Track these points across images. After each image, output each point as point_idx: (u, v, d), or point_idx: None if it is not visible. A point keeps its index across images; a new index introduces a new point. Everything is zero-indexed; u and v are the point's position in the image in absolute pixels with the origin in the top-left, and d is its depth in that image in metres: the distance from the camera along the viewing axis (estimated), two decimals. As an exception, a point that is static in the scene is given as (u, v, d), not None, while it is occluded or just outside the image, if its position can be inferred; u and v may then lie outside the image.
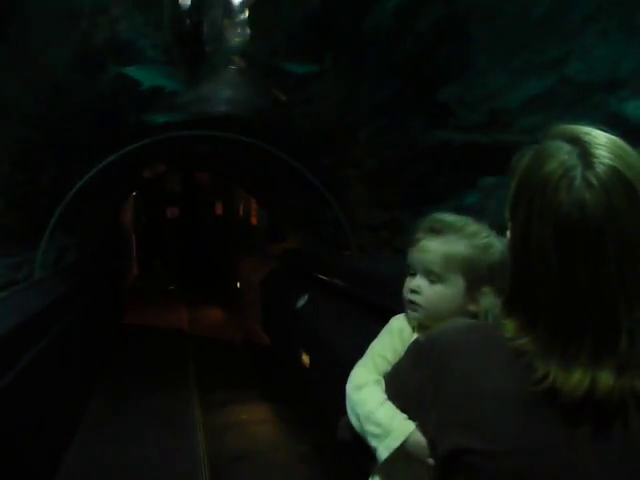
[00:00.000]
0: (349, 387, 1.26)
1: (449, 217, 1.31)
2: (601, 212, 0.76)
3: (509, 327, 0.87)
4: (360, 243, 5.64)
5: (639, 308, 0.77)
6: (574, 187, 0.78)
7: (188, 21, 4.58)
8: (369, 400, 1.19)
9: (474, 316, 1.25)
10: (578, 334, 0.79)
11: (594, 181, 0.78)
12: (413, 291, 1.29)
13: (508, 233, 0.90)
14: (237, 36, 4.77)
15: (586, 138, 0.83)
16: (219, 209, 14.81)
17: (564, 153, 0.81)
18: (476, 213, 1.43)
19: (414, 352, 1.06)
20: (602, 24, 3.03)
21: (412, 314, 1.30)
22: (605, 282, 0.77)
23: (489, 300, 1.22)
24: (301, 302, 5.86)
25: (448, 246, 1.25)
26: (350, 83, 4.22)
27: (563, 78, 3.20)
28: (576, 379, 0.78)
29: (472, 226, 1.29)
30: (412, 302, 1.29)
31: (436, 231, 1.28)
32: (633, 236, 0.77)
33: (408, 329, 1.32)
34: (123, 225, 14.73)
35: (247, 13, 4.67)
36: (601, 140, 0.82)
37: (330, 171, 5.87)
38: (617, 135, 0.88)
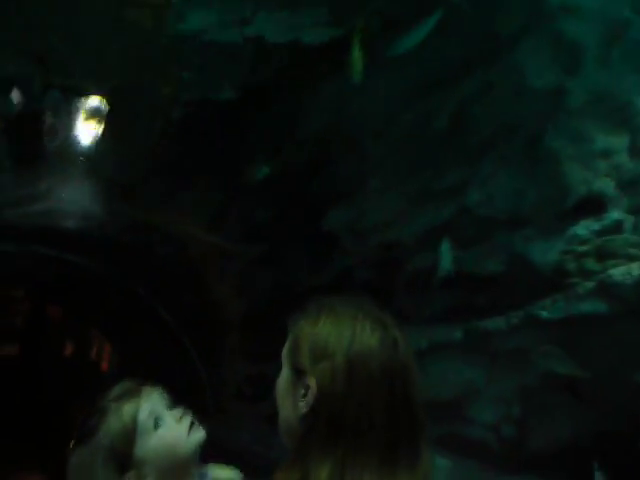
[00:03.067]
0: None
1: None
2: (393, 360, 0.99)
3: (323, 474, 0.90)
4: (221, 406, 4.53)
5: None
6: (384, 343, 0.99)
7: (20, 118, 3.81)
8: None
9: None
10: (395, 454, 0.94)
11: (398, 340, 1.01)
12: (185, 414, 1.32)
13: (311, 383, 0.96)
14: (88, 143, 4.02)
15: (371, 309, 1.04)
16: (69, 350, 12.76)
17: (366, 322, 1.02)
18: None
19: None
20: (500, 150, 2.66)
21: (202, 431, 1.31)
22: (398, 409, 0.95)
23: None
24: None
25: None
26: (217, 201, 3.51)
27: (462, 209, 2.72)
28: None
29: None
30: (193, 421, 1.30)
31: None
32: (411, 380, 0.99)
33: None
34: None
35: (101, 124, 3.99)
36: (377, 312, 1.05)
37: (192, 312, 4.92)
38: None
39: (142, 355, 6.81)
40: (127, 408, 1.27)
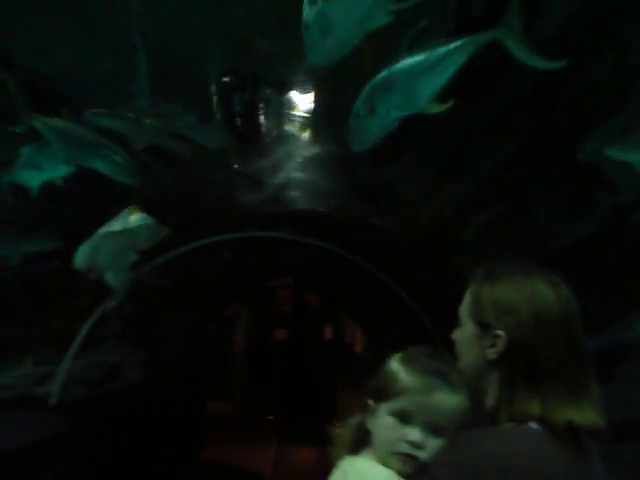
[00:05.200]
0: None
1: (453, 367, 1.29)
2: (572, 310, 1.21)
3: (534, 408, 1.10)
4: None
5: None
6: (560, 297, 1.19)
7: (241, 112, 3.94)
8: None
9: None
10: (586, 387, 1.13)
11: (569, 295, 1.21)
12: (416, 445, 1.18)
13: (500, 334, 1.18)
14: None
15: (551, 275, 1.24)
16: (328, 333, 13.62)
17: (540, 281, 1.21)
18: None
19: (469, 474, 1.05)
20: None
21: (404, 468, 1.18)
22: (576, 351, 1.16)
23: None
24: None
25: (461, 398, 1.22)
26: (446, 149, 3.01)
27: None
28: (595, 419, 1.11)
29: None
30: (412, 457, 1.18)
31: (451, 382, 1.23)
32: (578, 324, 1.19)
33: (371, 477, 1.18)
34: (232, 343, 13.99)
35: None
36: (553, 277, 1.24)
37: (430, 290, 4.50)
38: None
39: (389, 338, 6.68)
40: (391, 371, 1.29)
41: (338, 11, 1.67)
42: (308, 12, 1.75)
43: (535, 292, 1.17)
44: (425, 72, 1.82)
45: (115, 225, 3.14)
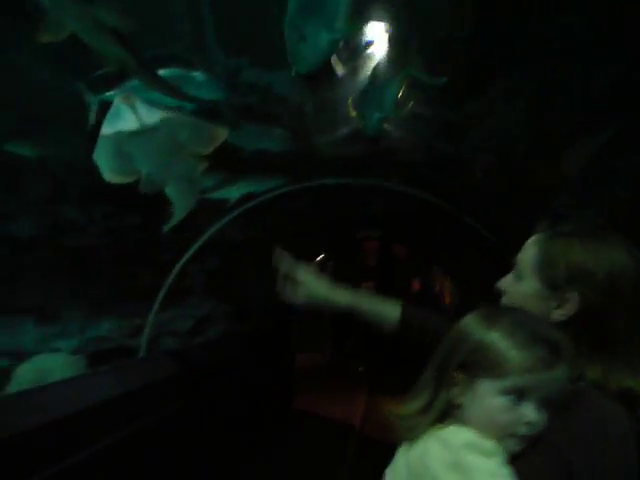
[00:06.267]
0: None
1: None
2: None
3: (595, 374, 1.09)
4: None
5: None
6: (634, 261, 1.13)
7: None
8: None
9: None
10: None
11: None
12: (534, 425, 1.07)
13: (572, 297, 1.13)
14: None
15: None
16: (416, 286, 13.35)
17: (616, 245, 1.16)
18: None
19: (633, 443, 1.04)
20: None
21: (516, 448, 1.08)
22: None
23: None
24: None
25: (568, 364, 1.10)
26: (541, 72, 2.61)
27: None
28: None
29: None
30: (527, 437, 1.08)
31: (560, 350, 1.08)
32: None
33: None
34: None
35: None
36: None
37: (525, 236, 4.10)
38: None
39: (479, 288, 6.33)
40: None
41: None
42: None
43: (612, 256, 1.12)
44: (386, 89, 3.05)
45: (126, 123, 2.58)
